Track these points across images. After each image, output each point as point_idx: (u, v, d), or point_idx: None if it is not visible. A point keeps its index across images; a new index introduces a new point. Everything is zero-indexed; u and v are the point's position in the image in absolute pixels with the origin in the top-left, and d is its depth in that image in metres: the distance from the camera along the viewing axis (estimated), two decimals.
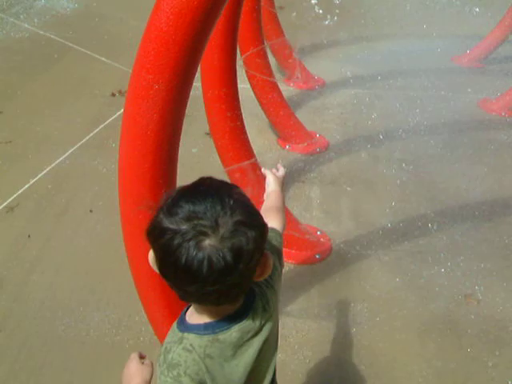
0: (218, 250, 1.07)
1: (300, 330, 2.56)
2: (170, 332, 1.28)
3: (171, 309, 1.83)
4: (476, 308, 2.69)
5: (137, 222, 1.64)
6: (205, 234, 1.08)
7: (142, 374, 1.37)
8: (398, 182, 3.62)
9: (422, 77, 4.96)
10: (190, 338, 1.21)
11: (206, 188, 1.16)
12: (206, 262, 1.07)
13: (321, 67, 5.16)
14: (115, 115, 4.27)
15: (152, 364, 1.40)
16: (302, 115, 4.18)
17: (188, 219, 1.09)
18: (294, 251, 2.92)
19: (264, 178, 1.71)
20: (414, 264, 2.93)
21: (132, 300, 2.07)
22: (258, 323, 1.26)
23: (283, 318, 2.47)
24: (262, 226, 1.16)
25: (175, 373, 1.19)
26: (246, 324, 1.24)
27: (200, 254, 1.07)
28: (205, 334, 1.21)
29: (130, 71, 1.53)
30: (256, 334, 1.26)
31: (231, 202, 1.11)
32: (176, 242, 1.08)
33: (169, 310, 1.81)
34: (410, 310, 2.66)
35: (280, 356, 2.30)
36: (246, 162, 2.61)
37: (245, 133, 2.81)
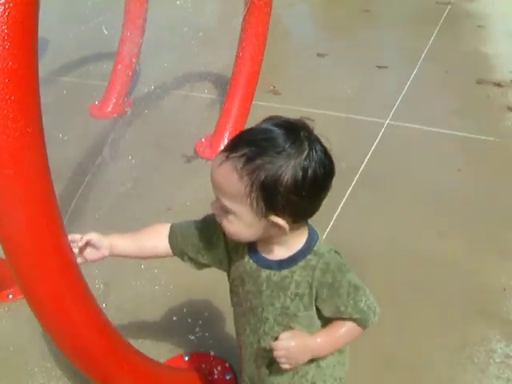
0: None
1: None
2: (292, 277, 1.25)
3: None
4: None
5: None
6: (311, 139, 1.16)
7: None
8: None
9: None
10: (318, 246, 1.26)
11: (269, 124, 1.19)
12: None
13: None
14: None
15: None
16: None
17: (296, 142, 1.13)
18: None
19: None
20: None
21: None
22: None
23: None
24: None
25: (346, 270, 1.25)
26: None
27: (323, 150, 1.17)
28: (317, 236, 1.28)
29: None
30: None
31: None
32: (316, 159, 1.14)
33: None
34: None
35: None
36: None
37: None
